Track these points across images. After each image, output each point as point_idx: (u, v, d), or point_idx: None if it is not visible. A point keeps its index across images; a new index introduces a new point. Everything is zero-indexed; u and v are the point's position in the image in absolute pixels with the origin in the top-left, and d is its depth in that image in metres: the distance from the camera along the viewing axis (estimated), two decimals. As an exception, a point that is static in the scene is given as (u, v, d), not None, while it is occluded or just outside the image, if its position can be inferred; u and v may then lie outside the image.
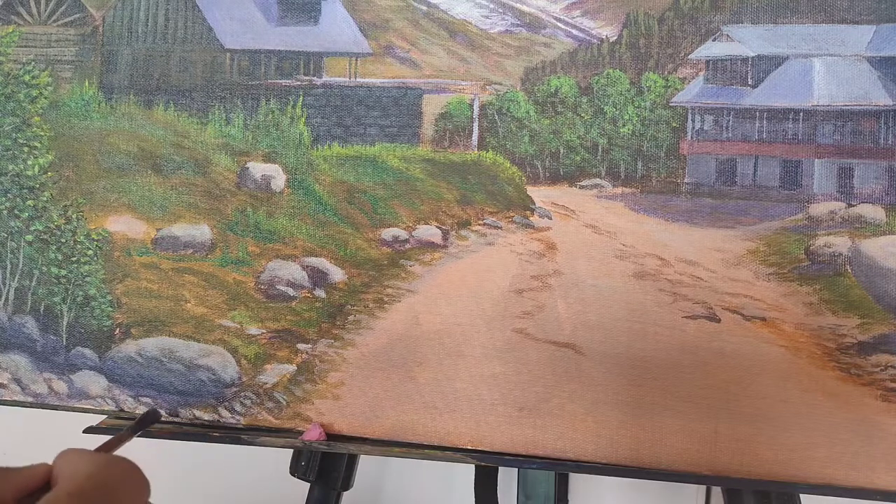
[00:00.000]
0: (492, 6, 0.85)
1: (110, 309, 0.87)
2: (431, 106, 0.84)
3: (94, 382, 0.87)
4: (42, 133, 0.89)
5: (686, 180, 0.79)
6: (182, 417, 0.85)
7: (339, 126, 0.85)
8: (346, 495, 0.96)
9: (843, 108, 0.75)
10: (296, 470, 0.93)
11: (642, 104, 0.80)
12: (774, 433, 0.74)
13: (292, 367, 0.84)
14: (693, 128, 0.80)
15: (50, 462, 0.51)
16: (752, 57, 0.79)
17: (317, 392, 0.83)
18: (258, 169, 0.86)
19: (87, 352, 0.87)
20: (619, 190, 0.80)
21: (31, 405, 0.89)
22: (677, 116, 0.80)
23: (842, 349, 0.73)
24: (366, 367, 0.82)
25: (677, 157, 0.79)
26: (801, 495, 0.78)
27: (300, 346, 0.84)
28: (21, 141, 0.88)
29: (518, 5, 0.84)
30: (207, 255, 0.86)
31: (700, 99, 0.80)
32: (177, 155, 0.87)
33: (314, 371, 0.83)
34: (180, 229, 0.87)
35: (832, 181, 0.76)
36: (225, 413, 0.85)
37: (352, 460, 0.96)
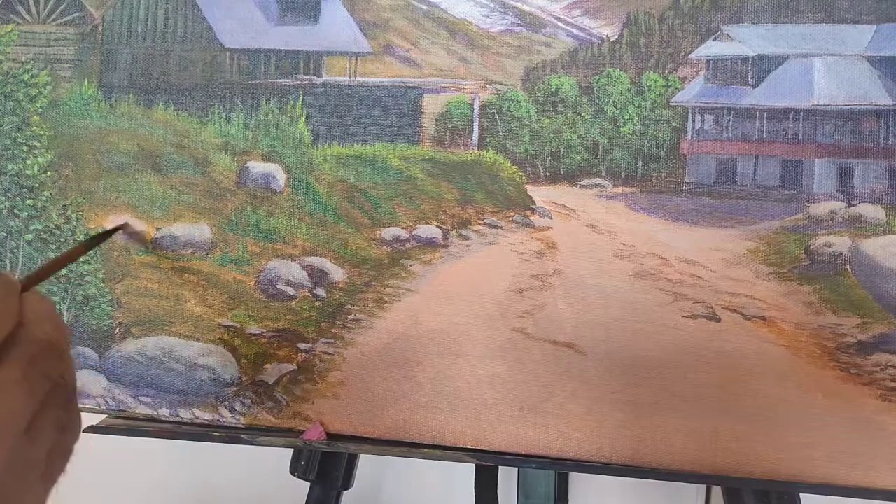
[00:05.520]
0: (492, 6, 0.85)
1: (110, 308, 0.87)
2: (432, 105, 0.84)
3: (93, 382, 0.87)
4: (41, 132, 0.88)
5: (686, 180, 0.79)
6: (182, 417, 0.85)
7: (340, 125, 0.85)
8: (346, 495, 0.97)
9: (844, 107, 0.76)
10: (296, 469, 0.93)
11: (643, 104, 0.80)
12: (774, 432, 0.74)
13: (292, 367, 0.84)
14: (693, 127, 0.80)
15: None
16: (753, 56, 0.79)
17: (317, 391, 0.83)
18: (258, 168, 0.86)
19: (87, 351, 0.87)
20: (619, 189, 0.80)
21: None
22: (677, 116, 0.80)
23: (842, 348, 0.74)
24: (366, 366, 0.82)
25: (677, 156, 0.79)
26: (801, 495, 0.78)
27: (300, 345, 0.84)
28: (20, 140, 0.88)
29: (518, 5, 0.84)
30: (207, 254, 0.86)
31: (700, 98, 0.80)
32: (176, 154, 0.87)
33: (314, 370, 0.83)
34: (180, 229, 0.86)
35: (832, 181, 0.76)
36: (225, 412, 0.85)
37: (352, 460, 0.96)
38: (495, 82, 0.83)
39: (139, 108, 0.88)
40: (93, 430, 0.85)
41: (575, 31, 0.82)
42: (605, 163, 0.81)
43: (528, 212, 0.82)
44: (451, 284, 0.81)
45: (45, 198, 0.88)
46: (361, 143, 0.85)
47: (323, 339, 0.84)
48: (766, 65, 0.79)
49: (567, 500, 0.97)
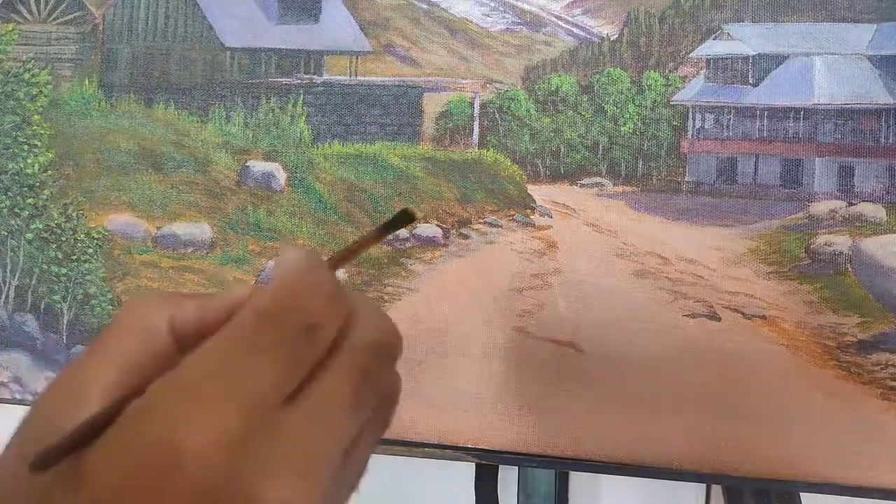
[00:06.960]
0: (492, 4, 0.85)
1: (110, 307, 0.87)
2: (432, 104, 0.84)
3: (94, 381, 0.87)
4: (42, 131, 0.89)
5: (686, 179, 0.79)
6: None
7: (340, 124, 0.85)
8: (346, 494, 0.96)
9: (844, 106, 0.76)
10: (296, 468, 0.93)
11: (643, 103, 0.80)
12: (774, 431, 0.74)
13: (292, 366, 0.84)
14: (694, 126, 0.80)
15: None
16: (753, 55, 0.79)
17: (317, 390, 0.83)
18: (258, 167, 0.86)
19: (88, 350, 0.87)
20: (619, 188, 0.80)
21: (31, 404, 0.89)
22: (678, 115, 0.80)
23: (842, 347, 0.73)
24: (366, 365, 0.82)
25: (678, 155, 0.79)
26: (802, 494, 0.78)
27: (300, 344, 0.83)
28: (21, 139, 0.88)
29: (519, 3, 0.84)
30: (208, 253, 0.86)
31: (701, 97, 0.80)
32: (177, 153, 0.87)
33: (314, 369, 0.83)
34: (181, 227, 0.86)
35: (833, 180, 0.76)
36: (225, 411, 0.84)
37: (352, 459, 0.96)
38: (495, 81, 0.83)
39: (140, 108, 0.88)
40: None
41: (575, 30, 0.82)
42: (605, 162, 0.81)
43: (529, 211, 0.82)
44: (451, 284, 0.81)
45: (45, 196, 0.88)
46: (362, 142, 0.85)
47: (323, 338, 0.83)
48: (767, 64, 0.79)
49: (567, 500, 0.96)
